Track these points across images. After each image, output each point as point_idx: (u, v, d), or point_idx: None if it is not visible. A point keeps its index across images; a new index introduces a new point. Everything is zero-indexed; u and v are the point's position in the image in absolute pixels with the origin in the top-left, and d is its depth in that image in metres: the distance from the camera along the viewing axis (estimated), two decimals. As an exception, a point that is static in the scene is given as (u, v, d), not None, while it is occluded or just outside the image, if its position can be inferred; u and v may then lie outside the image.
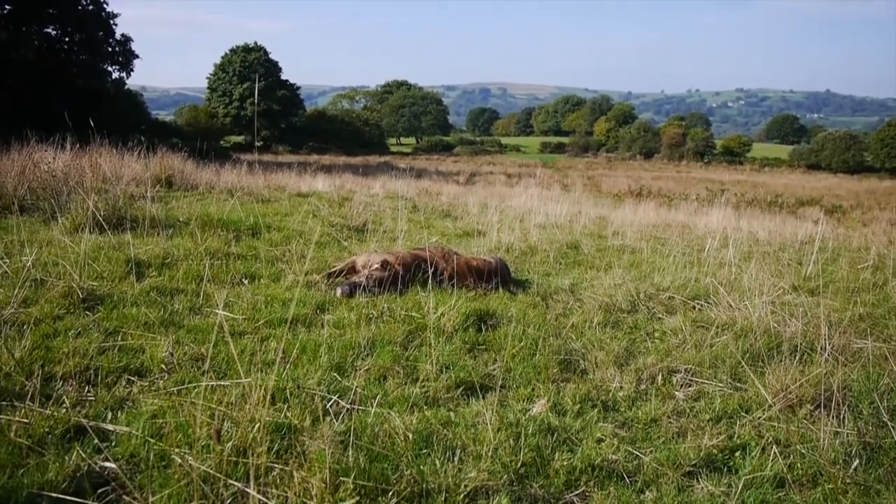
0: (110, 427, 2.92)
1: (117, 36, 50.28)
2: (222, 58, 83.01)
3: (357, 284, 5.66)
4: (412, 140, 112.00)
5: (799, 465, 3.15)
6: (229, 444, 2.56)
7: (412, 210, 12.55)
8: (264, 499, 2.18)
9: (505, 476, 2.75)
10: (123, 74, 53.03)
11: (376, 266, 5.87)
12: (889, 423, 3.55)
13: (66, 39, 47.66)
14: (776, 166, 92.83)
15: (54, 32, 47.01)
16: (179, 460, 2.44)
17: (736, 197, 34.24)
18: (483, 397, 3.65)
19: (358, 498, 2.35)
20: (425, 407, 3.45)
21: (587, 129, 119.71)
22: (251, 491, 2.15)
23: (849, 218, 26.25)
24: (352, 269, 6.12)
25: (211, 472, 2.33)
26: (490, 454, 2.84)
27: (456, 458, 2.83)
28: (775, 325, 5.08)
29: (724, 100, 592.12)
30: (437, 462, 2.74)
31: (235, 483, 2.35)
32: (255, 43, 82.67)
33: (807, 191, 47.37)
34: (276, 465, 2.49)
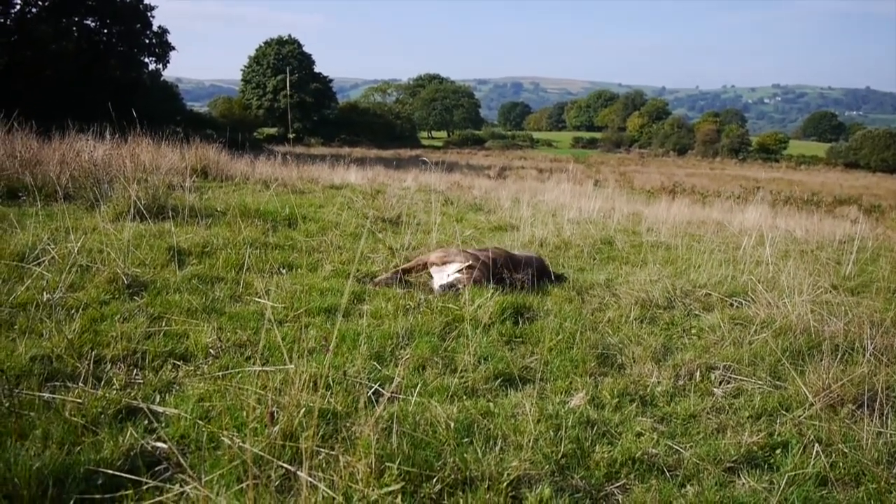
0: (160, 409, 3.00)
1: (154, 28, 51.00)
2: (257, 50, 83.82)
3: (453, 285, 5.56)
4: (443, 134, 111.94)
5: (841, 463, 3.12)
6: (276, 427, 2.62)
7: (444, 203, 12.58)
8: (313, 481, 2.22)
9: (546, 466, 2.78)
10: (160, 66, 53.81)
11: (465, 266, 5.69)
12: (933, 424, 3.50)
13: (105, 31, 48.46)
14: (813, 164, 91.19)
15: (93, 24, 47.83)
16: (229, 442, 2.50)
17: (771, 195, 33.74)
18: (521, 389, 3.67)
19: (403, 483, 2.39)
20: (464, 397, 3.48)
21: (620, 124, 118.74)
22: (302, 474, 2.20)
23: (888, 218, 25.75)
24: (423, 266, 6.03)
25: (261, 453, 2.39)
26: (531, 444, 2.86)
27: (497, 448, 2.86)
28: (815, 323, 5.02)
29: (759, 96, 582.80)
30: (479, 451, 2.78)
31: (286, 465, 2.40)
32: (290, 36, 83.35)
33: (844, 189, 46.51)
34: (322, 450, 2.54)
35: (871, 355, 4.27)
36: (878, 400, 3.64)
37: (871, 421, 3.46)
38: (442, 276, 5.70)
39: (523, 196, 14.41)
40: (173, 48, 52.72)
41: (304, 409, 2.69)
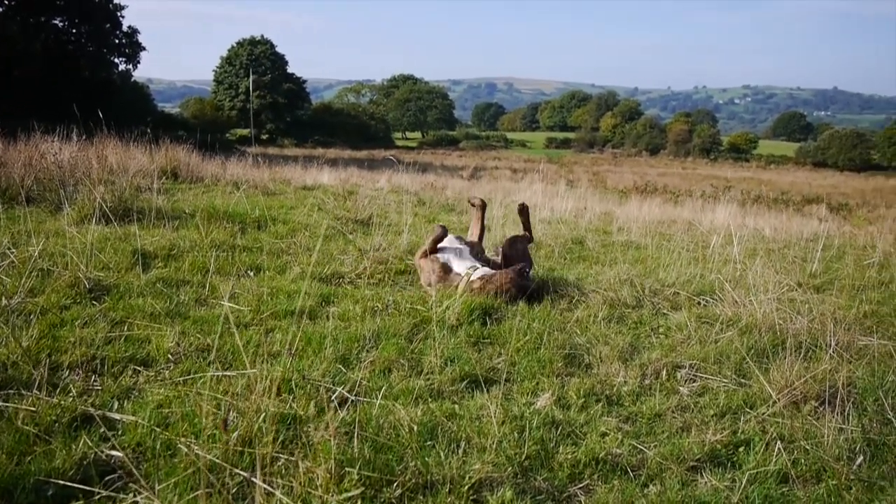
0: (117, 416, 2.93)
1: (124, 28, 50.41)
2: (229, 51, 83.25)
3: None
4: (418, 134, 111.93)
5: (803, 460, 3.15)
6: (235, 433, 2.58)
7: (417, 204, 12.55)
8: (269, 488, 2.19)
9: (509, 468, 2.76)
10: (130, 66, 53.27)
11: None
12: (894, 420, 3.55)
13: (73, 31, 47.79)
14: (782, 164, 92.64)
15: (61, 24, 47.14)
16: (185, 449, 2.45)
17: (742, 194, 34.19)
18: (487, 390, 3.66)
19: (363, 489, 2.36)
20: (430, 399, 3.46)
21: (593, 124, 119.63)
22: (257, 480, 2.16)
23: (855, 216, 26.20)
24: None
25: (217, 461, 2.35)
26: (494, 447, 2.84)
27: (460, 451, 2.84)
28: (780, 321, 5.07)
29: (730, 96, 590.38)
30: (442, 454, 2.75)
31: (241, 472, 2.36)
32: (262, 36, 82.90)
33: (813, 188, 47.25)
34: (281, 455, 2.50)
35: (833, 352, 4.32)
36: (839, 396, 3.68)
37: (833, 417, 3.50)
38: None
39: (496, 196, 14.43)
40: (144, 48, 52.17)
41: (263, 415, 2.65)
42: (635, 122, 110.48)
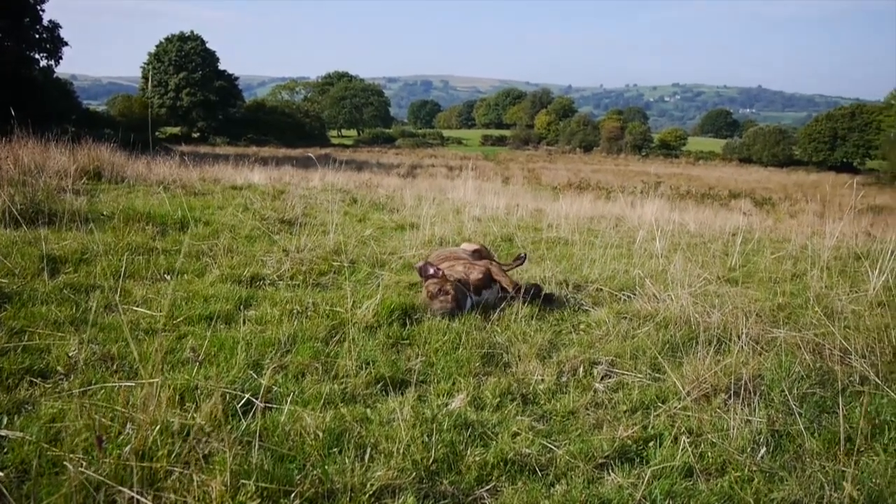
0: (3, 433, 2.78)
1: (45, 22, 48.44)
2: (157, 47, 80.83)
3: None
4: (354, 132, 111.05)
5: (709, 453, 3.20)
6: (127, 447, 2.46)
7: (350, 203, 12.42)
8: (158, 505, 2.09)
9: (414, 473, 2.72)
10: (52, 62, 51.24)
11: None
12: (797, 409, 3.65)
13: (-12, 25, 45.60)
14: (710, 160, 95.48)
15: (-25, 18, 44.92)
16: (71, 467, 2.33)
17: (671, 189, 35.05)
18: (402, 393, 3.61)
19: (259, 500, 2.29)
20: (341, 404, 3.39)
21: (528, 122, 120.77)
22: (143, 499, 2.06)
23: (778, 210, 27.14)
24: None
25: (100, 478, 2.24)
26: (402, 451, 2.80)
27: (366, 457, 2.79)
28: (696, 315, 5.17)
29: (660, 94, 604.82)
30: (347, 461, 2.69)
31: (126, 490, 2.25)
32: (192, 32, 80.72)
33: (738, 184, 48.79)
34: (175, 469, 2.40)
35: (744, 344, 4.43)
36: (748, 388, 3.77)
37: (741, 409, 3.58)
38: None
39: (430, 194, 14.41)
40: (66, 43, 50.21)
41: (158, 427, 2.54)
42: (569, 120, 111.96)
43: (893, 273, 7.19)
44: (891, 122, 72.30)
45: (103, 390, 3.24)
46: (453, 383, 3.83)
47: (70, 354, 3.62)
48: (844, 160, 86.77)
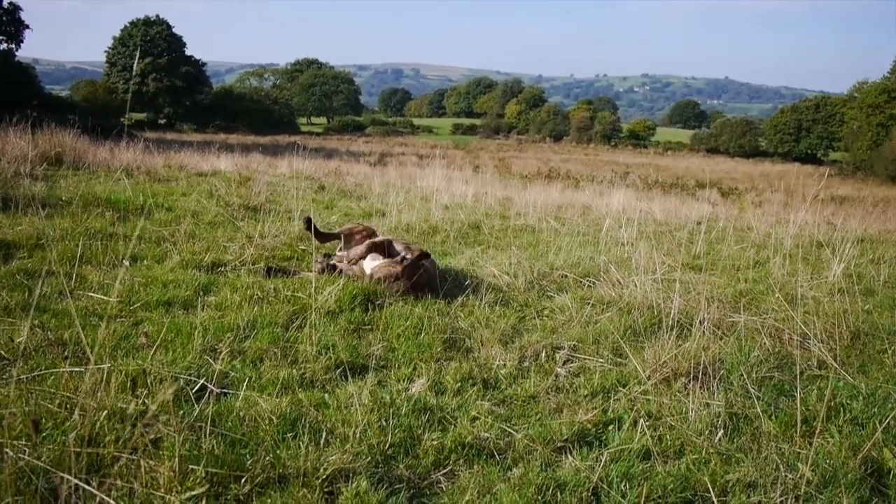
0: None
1: (5, 4, 47.28)
2: (122, 31, 79.23)
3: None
4: (323, 120, 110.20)
5: (668, 436, 3.21)
6: (73, 433, 2.38)
7: (318, 190, 12.31)
8: (105, 496, 2.03)
9: (370, 458, 2.68)
10: (12, 45, 50.08)
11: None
12: (755, 393, 3.68)
13: (-55, 7, 44.41)
14: (678, 150, 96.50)
15: (-70, -1, 43.73)
16: (11, 453, 2.25)
17: (640, 179, 35.34)
18: (362, 378, 3.57)
19: (208, 486, 2.23)
20: (299, 389, 3.34)
21: (498, 111, 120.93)
22: (87, 486, 2.00)
23: (743, 199, 27.51)
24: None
25: (42, 464, 2.16)
26: (358, 436, 2.76)
27: (322, 441, 2.74)
28: (659, 301, 5.20)
29: (630, 84, 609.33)
30: (301, 446, 2.65)
31: (69, 477, 2.18)
32: (157, 16, 79.21)
33: (706, 174, 49.28)
34: (122, 455, 2.34)
35: (705, 329, 4.46)
36: (707, 372, 3.80)
37: (700, 393, 3.60)
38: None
39: (398, 182, 14.34)
40: (27, 26, 49.11)
41: (105, 413, 2.47)
42: (539, 109, 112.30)
43: (853, 260, 7.32)
44: (853, 115, 73.61)
45: (53, 377, 3.15)
46: (414, 368, 3.80)
47: (15, 340, 3.51)
48: (809, 151, 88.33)
